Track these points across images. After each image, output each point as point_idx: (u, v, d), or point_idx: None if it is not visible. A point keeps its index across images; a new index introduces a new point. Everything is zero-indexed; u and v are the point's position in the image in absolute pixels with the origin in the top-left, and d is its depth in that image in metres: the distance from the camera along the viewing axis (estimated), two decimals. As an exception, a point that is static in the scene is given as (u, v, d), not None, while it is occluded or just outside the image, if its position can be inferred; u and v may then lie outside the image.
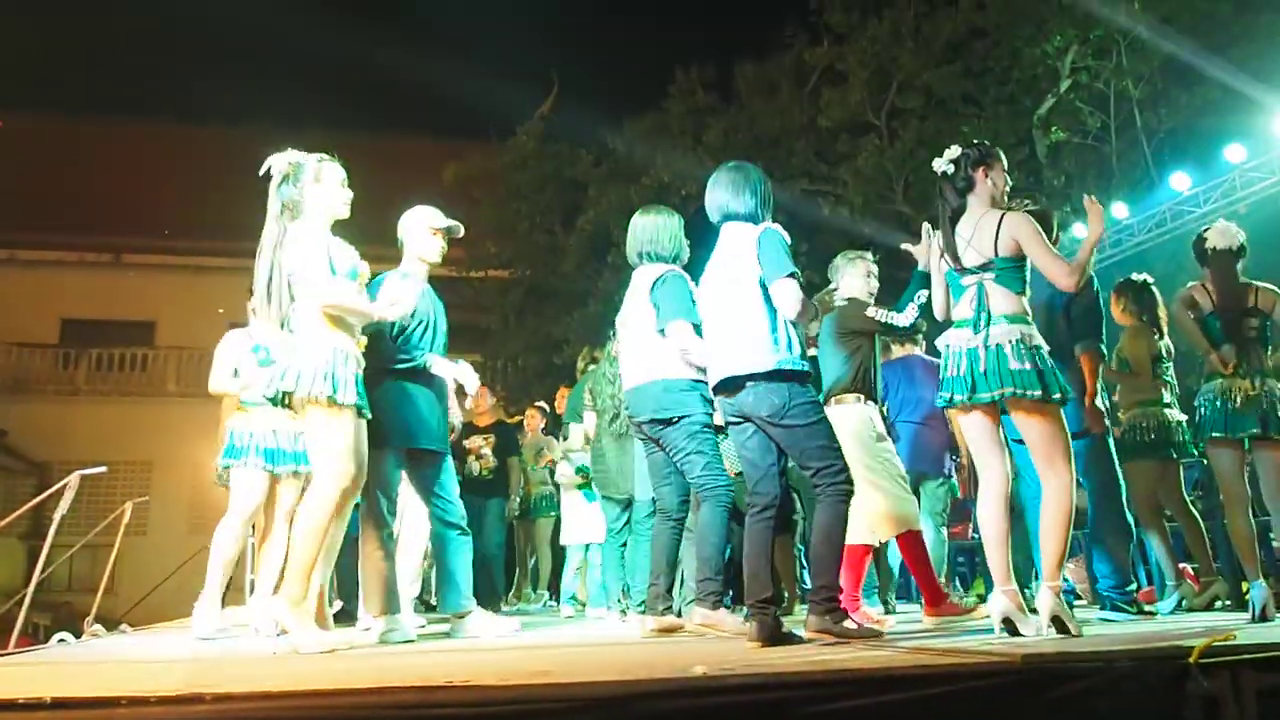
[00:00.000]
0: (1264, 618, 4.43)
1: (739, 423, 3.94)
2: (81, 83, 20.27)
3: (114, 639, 5.57)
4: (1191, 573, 6.00)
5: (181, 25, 26.11)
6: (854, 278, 5.26)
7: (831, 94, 16.23)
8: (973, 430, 3.89)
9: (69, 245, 21.00)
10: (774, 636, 3.58)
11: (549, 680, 2.34)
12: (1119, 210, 11.91)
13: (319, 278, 3.94)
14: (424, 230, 4.88)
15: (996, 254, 3.82)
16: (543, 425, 9.22)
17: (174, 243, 20.80)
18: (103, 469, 5.99)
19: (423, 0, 30.82)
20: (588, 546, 7.76)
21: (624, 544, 6.48)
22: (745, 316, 3.88)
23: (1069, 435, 3.77)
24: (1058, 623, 3.54)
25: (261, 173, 4.04)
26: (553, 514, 9.30)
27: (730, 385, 3.90)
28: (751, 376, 3.82)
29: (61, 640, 5.18)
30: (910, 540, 5.05)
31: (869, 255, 5.38)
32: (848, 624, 3.64)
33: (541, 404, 9.71)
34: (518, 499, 8.72)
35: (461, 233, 4.95)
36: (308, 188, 4.04)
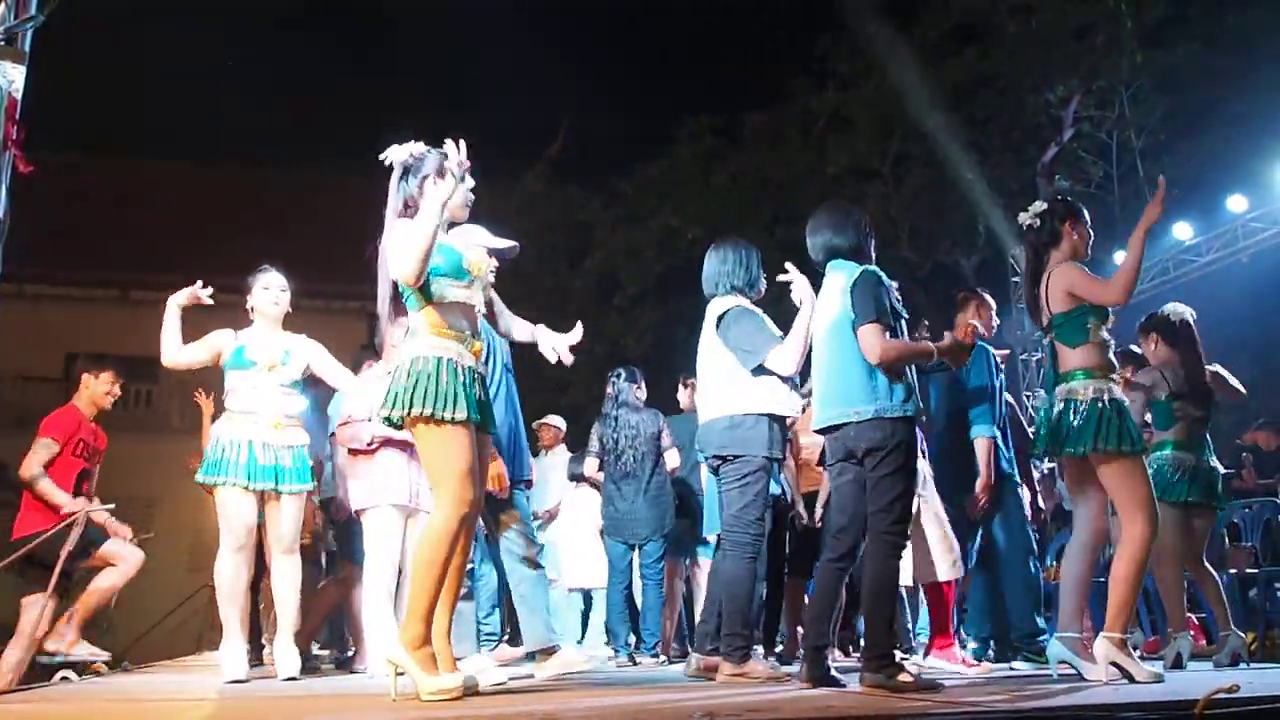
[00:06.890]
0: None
1: (842, 462, 3.86)
2: (91, 120, 20.40)
3: (118, 678, 5.53)
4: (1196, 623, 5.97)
5: (192, 64, 26.37)
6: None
7: (837, 140, 16.33)
8: (1068, 479, 4.06)
9: (75, 281, 21.06)
10: (822, 679, 3.65)
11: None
12: (1120, 259, 11.94)
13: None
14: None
15: (1052, 311, 3.91)
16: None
17: (180, 279, 20.86)
18: (110, 506, 5.94)
19: (434, 43, 31.10)
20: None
21: (628, 585, 6.46)
22: (845, 359, 3.84)
23: (1150, 488, 3.79)
24: (1121, 670, 3.58)
25: (386, 163, 3.70)
26: None
27: (834, 428, 3.87)
28: (852, 423, 3.76)
29: (64, 678, 5.13)
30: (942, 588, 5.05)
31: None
32: (904, 677, 3.50)
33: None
34: None
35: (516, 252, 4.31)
36: (427, 185, 3.55)
